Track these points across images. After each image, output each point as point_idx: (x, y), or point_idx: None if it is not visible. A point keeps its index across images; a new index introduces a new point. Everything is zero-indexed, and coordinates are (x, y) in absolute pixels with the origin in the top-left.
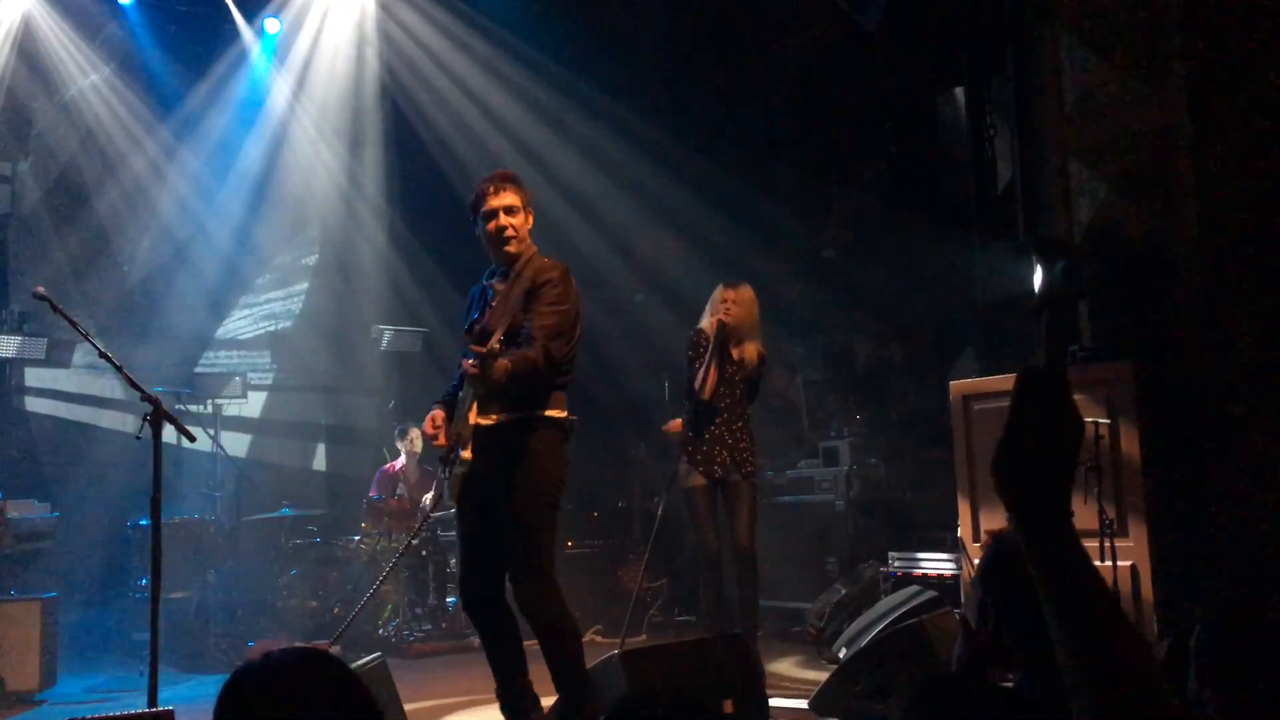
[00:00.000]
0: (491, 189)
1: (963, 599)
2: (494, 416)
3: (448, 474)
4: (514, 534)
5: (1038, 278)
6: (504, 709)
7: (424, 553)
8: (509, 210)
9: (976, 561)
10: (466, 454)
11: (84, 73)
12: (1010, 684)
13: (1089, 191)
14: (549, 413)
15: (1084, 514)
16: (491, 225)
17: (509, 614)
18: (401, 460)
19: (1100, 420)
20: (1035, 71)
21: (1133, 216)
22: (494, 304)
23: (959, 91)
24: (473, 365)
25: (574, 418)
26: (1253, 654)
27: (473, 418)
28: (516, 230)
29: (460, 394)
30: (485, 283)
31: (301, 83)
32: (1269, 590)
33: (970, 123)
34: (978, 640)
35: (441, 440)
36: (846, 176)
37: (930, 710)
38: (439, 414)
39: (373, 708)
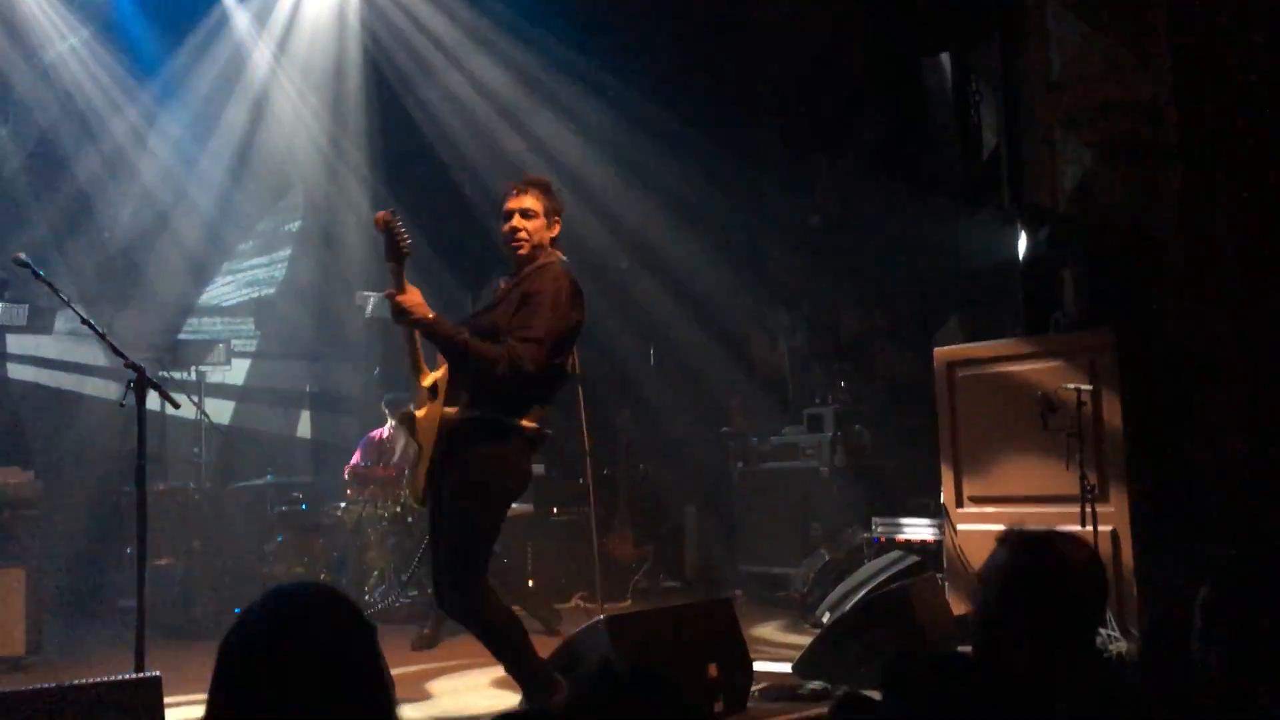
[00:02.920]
0: (515, 190)
1: (945, 564)
2: (461, 410)
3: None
4: (452, 536)
5: (1022, 245)
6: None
7: (409, 520)
8: (525, 213)
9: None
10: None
11: (63, 36)
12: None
13: (1074, 159)
14: (521, 421)
15: (1066, 480)
16: (505, 226)
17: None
18: (388, 428)
19: (1082, 387)
20: (1021, 38)
21: (1117, 184)
22: (494, 302)
23: (945, 58)
24: (390, 292)
25: (548, 431)
26: (1257, 613)
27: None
28: (529, 235)
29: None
30: (496, 279)
31: (283, 46)
32: (1253, 556)
33: (956, 90)
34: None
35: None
36: (831, 144)
37: (906, 686)
38: None
39: (371, 631)
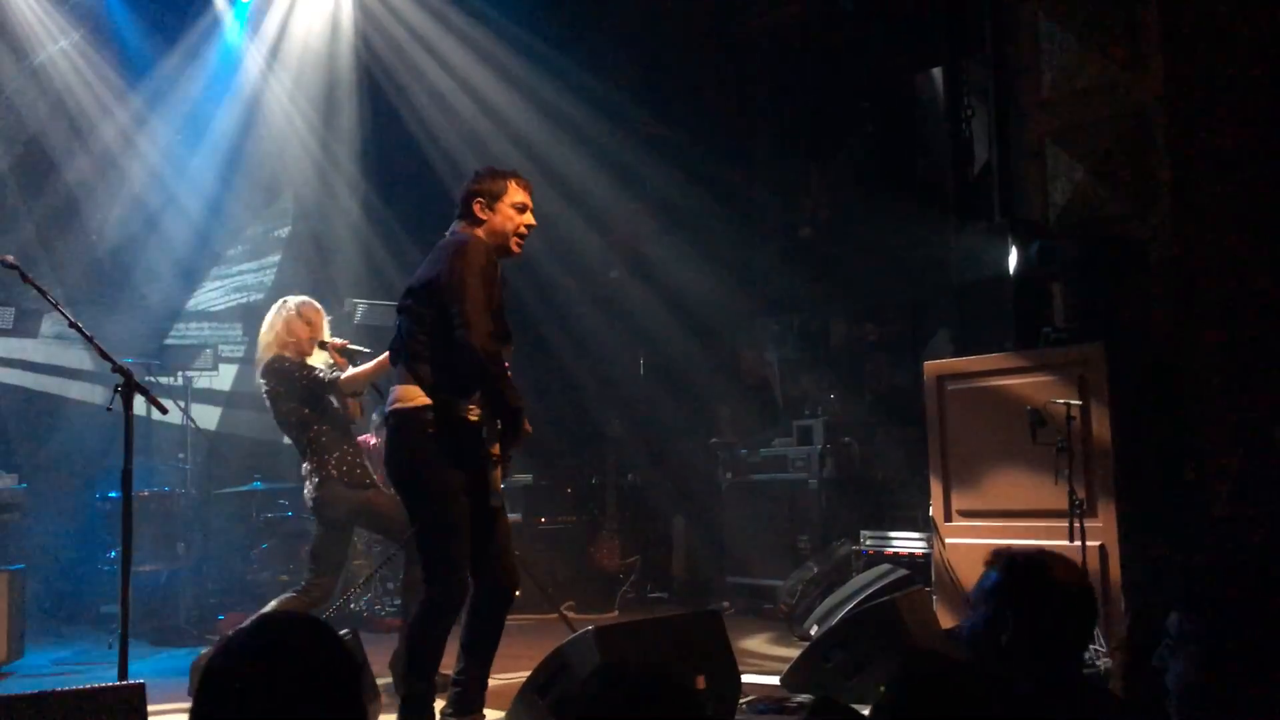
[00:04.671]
0: (524, 183)
1: (934, 578)
2: None
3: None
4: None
5: (1013, 259)
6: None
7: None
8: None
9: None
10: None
11: (53, 38)
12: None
13: (1065, 173)
14: None
15: (1054, 495)
16: (526, 223)
17: None
18: (374, 436)
19: (1072, 401)
20: (1013, 53)
21: (1108, 199)
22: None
23: (937, 72)
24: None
25: None
26: (1224, 630)
27: None
28: None
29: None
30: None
31: (275, 52)
32: (1238, 572)
33: (948, 103)
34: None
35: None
36: (824, 156)
37: (914, 690)
38: None
39: (355, 668)
